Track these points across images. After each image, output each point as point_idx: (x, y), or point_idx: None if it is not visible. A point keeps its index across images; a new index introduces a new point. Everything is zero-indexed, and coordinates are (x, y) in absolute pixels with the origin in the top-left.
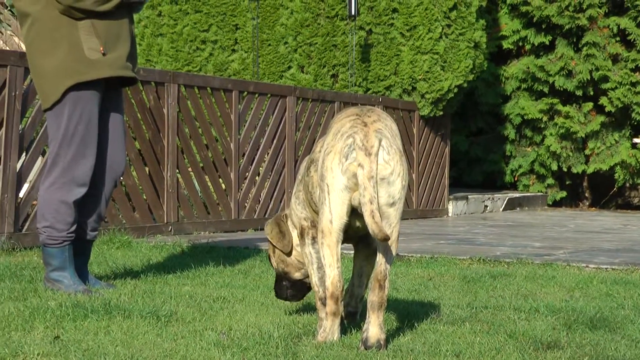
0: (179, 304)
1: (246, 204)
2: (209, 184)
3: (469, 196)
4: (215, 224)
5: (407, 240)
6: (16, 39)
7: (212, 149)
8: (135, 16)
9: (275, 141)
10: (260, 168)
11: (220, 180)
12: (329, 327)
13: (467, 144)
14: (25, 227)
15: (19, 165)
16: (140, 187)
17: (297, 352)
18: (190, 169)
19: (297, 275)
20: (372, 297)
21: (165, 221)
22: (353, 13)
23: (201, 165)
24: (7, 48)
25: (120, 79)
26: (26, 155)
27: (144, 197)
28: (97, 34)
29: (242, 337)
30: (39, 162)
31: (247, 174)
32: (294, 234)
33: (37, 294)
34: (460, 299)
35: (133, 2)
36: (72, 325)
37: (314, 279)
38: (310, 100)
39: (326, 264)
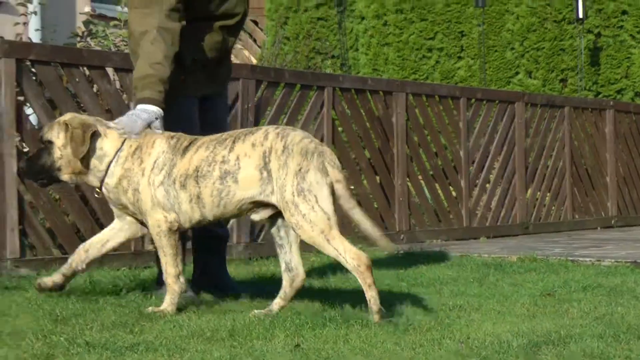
0: (415, 313)
1: (477, 212)
2: (439, 191)
3: None
4: (446, 232)
5: None
6: (246, 52)
7: (441, 156)
8: (361, 26)
9: (504, 148)
10: (491, 175)
11: (451, 187)
12: (376, 295)
13: None
14: (261, 237)
15: None
16: (372, 196)
17: None
18: (420, 177)
19: (65, 177)
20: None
21: (397, 229)
22: (581, 16)
23: (431, 173)
24: (237, 61)
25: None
26: None
27: (376, 205)
28: None
29: (480, 346)
30: None
31: (477, 181)
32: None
33: None
34: None
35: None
36: (311, 333)
37: (172, 270)
38: (539, 105)
39: (345, 249)
